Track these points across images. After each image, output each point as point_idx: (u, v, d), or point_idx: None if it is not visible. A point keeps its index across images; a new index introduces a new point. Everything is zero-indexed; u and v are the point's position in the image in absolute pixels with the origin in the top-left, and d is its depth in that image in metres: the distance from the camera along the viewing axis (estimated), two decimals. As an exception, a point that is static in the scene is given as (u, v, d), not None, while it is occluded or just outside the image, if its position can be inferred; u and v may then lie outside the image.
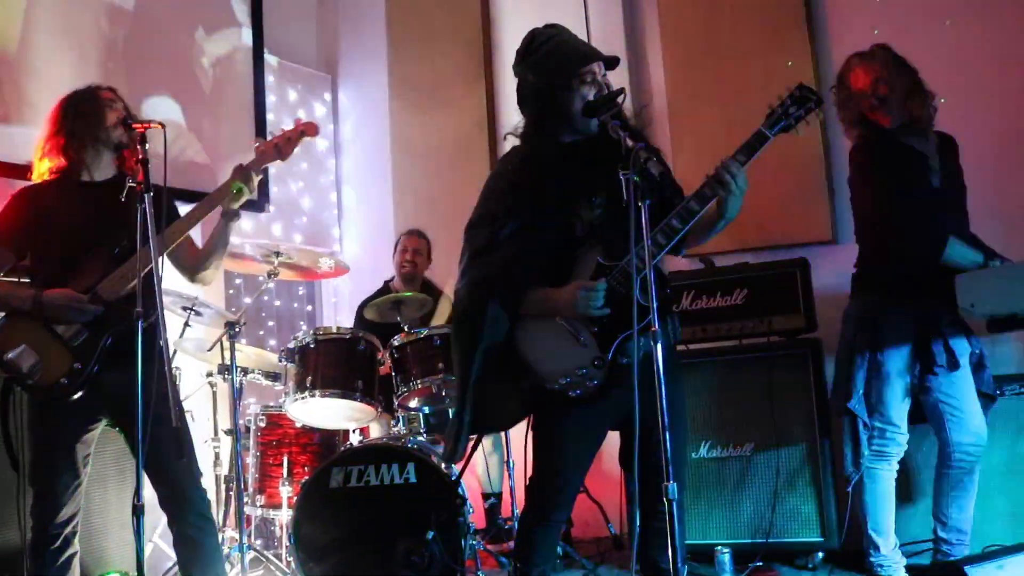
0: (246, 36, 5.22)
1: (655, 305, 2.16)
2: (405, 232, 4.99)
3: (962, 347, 3.16)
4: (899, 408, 3.20)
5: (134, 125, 2.74)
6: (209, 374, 4.19)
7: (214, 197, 3.02)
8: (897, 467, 3.27)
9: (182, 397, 4.02)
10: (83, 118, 2.96)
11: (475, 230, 2.63)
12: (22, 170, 3.85)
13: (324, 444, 4.15)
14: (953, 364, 3.12)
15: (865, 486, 3.25)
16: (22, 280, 3.01)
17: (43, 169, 2.98)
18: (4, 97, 3.98)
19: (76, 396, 2.81)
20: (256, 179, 3.06)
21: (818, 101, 2.44)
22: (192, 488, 2.91)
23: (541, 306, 2.53)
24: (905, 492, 3.45)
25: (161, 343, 2.52)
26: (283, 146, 3.14)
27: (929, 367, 3.13)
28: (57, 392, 2.79)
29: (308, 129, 3.20)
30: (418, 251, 4.89)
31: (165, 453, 2.65)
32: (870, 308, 3.22)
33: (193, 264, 3.13)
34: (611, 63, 2.58)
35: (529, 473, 2.67)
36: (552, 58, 2.54)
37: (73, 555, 2.87)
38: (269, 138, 3.18)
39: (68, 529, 2.84)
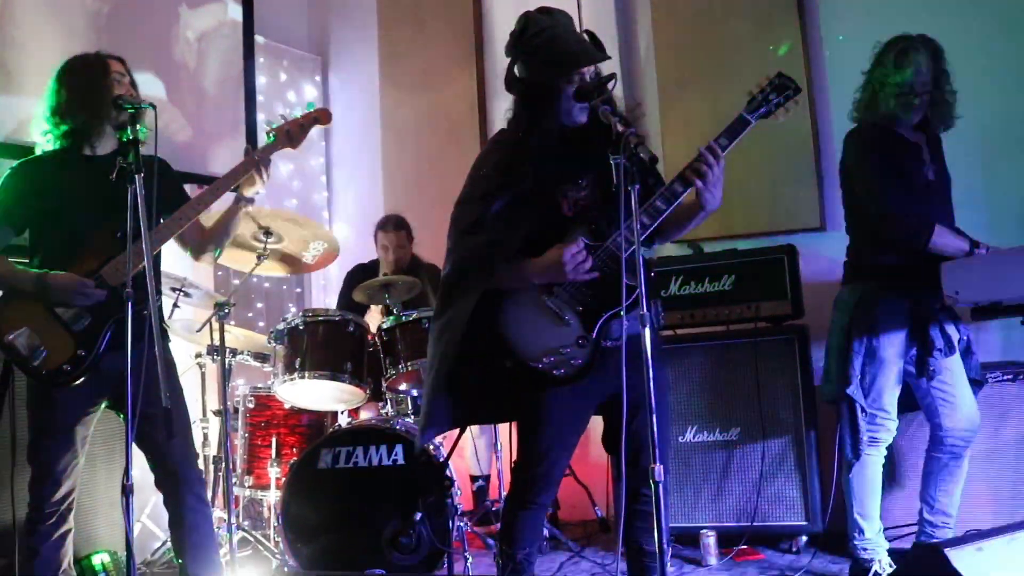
0: (232, 11, 5.17)
1: (644, 289, 2.18)
2: (380, 226, 4.91)
3: (954, 333, 3.20)
4: (892, 394, 3.22)
5: (124, 105, 2.72)
6: (198, 355, 4.20)
7: (224, 182, 2.96)
8: (885, 453, 3.30)
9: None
10: (90, 90, 2.86)
11: (464, 206, 2.64)
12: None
13: (313, 426, 4.16)
14: (951, 348, 3.16)
15: (853, 470, 3.28)
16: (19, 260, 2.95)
17: (50, 138, 2.90)
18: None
19: (79, 382, 2.77)
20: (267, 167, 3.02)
21: (796, 89, 2.50)
22: (188, 469, 2.91)
23: (526, 275, 2.52)
24: (889, 477, 3.48)
25: (154, 323, 2.50)
26: (295, 132, 3.09)
27: (929, 351, 3.16)
28: (60, 378, 2.75)
29: (321, 116, 3.14)
30: (399, 244, 4.84)
31: (160, 434, 2.65)
32: (866, 294, 3.23)
33: (198, 243, 3.10)
34: (602, 61, 2.59)
35: (516, 456, 2.69)
36: (543, 54, 2.53)
37: (67, 532, 2.87)
38: (280, 123, 3.11)
39: (64, 506, 2.84)
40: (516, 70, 2.62)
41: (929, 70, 3.18)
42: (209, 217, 3.15)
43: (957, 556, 2.20)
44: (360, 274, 4.76)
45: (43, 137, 2.92)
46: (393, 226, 4.87)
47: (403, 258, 4.84)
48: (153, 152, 2.68)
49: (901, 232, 3.16)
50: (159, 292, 3.00)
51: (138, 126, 2.65)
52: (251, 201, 3.06)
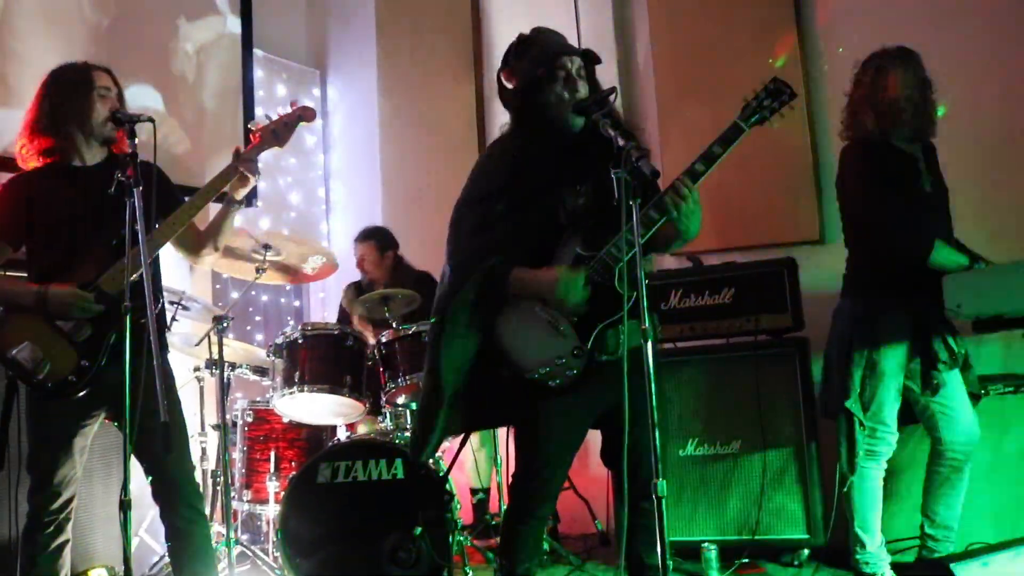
0: (231, 24, 5.19)
1: (645, 304, 2.17)
2: (354, 239, 4.91)
3: (955, 346, 3.19)
4: (892, 408, 3.22)
5: (124, 121, 2.71)
6: (196, 369, 4.18)
7: (215, 184, 2.95)
8: (885, 466, 3.29)
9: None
10: (71, 104, 2.86)
11: (464, 209, 2.64)
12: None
13: (311, 440, 4.13)
14: (954, 361, 3.15)
15: (853, 485, 3.27)
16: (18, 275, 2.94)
17: (29, 152, 2.89)
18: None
19: (82, 394, 2.77)
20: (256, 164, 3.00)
21: (791, 94, 2.53)
22: (184, 481, 2.90)
23: (523, 287, 2.53)
24: (889, 490, 3.47)
25: (153, 333, 2.48)
26: (280, 131, 3.07)
27: (933, 364, 3.15)
28: (64, 390, 2.75)
29: (305, 114, 3.11)
30: (366, 256, 4.80)
31: (157, 446, 2.64)
32: (868, 307, 3.23)
33: (193, 244, 3.08)
34: (587, 57, 2.60)
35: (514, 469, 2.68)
36: (526, 57, 2.59)
37: (65, 543, 2.85)
38: (266, 123, 3.09)
39: (62, 516, 2.82)
40: (502, 83, 2.66)
41: (911, 82, 3.18)
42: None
43: (963, 571, 2.20)
44: (354, 291, 4.73)
45: (22, 152, 2.91)
46: (363, 237, 4.85)
47: (376, 270, 4.79)
48: (152, 164, 2.67)
49: (900, 246, 3.16)
50: (159, 301, 2.99)
51: (135, 139, 2.65)
52: (241, 204, 3.03)
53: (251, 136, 3.10)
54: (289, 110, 3.12)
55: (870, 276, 3.26)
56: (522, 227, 2.56)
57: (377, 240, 4.83)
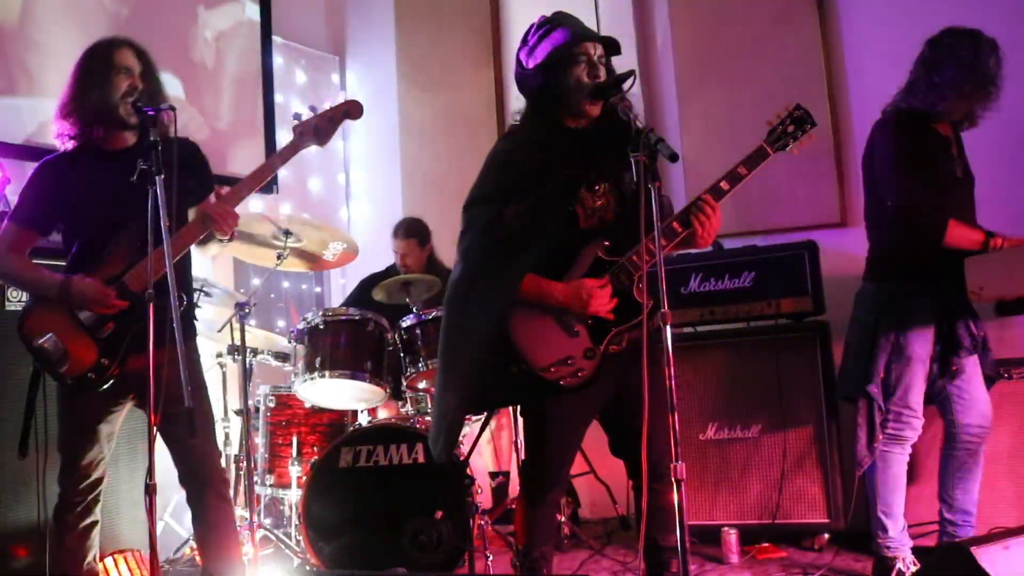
0: (250, 11, 5.20)
1: (663, 287, 2.17)
2: (392, 232, 4.91)
3: (976, 330, 3.16)
4: (918, 392, 3.19)
5: (144, 109, 2.69)
6: (219, 355, 4.21)
7: (192, 231, 2.82)
8: (910, 451, 3.27)
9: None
10: (92, 86, 2.80)
11: (477, 207, 2.61)
12: (21, 148, 3.88)
13: (333, 425, 4.16)
14: (976, 345, 3.13)
15: (877, 469, 3.24)
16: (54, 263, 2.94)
17: (60, 136, 2.85)
18: (5, 70, 3.95)
19: (103, 388, 2.79)
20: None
21: (813, 123, 2.58)
22: (211, 468, 2.92)
23: (538, 297, 2.52)
24: (910, 474, 3.46)
25: (176, 323, 2.48)
26: (323, 126, 2.92)
27: (955, 350, 3.13)
28: (84, 384, 2.77)
29: (352, 109, 2.94)
30: (408, 252, 4.81)
31: (183, 432, 2.66)
32: (892, 291, 3.21)
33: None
34: (609, 44, 2.57)
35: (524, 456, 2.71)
36: (547, 39, 2.55)
37: (94, 524, 2.88)
38: (308, 117, 2.94)
39: (91, 496, 2.86)
40: (522, 66, 2.62)
41: (995, 66, 3.17)
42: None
43: (983, 555, 2.19)
44: (371, 285, 4.72)
45: (56, 137, 2.89)
46: (403, 233, 4.85)
47: (414, 264, 4.81)
48: (173, 158, 2.57)
49: (916, 227, 3.13)
50: (190, 292, 3.00)
51: (156, 127, 2.64)
52: (223, 241, 2.94)
53: (293, 130, 2.96)
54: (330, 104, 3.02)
55: (893, 259, 3.23)
56: (539, 230, 2.52)
57: (419, 237, 4.84)
